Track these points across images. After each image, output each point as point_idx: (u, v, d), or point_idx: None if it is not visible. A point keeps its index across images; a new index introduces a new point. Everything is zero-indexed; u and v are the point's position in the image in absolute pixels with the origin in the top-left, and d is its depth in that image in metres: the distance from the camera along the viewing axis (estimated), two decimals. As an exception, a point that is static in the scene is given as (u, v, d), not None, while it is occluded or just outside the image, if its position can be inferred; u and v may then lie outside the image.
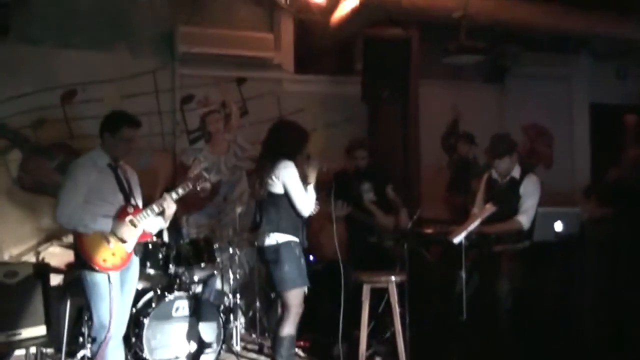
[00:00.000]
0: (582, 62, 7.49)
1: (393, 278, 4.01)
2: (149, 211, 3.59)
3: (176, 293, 4.36)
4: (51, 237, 5.14)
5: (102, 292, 3.43)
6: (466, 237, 4.06)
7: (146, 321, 4.17)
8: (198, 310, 4.40)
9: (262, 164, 3.88)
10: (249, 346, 5.12)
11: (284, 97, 6.18)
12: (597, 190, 5.26)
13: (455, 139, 6.68)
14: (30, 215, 5.22)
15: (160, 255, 4.47)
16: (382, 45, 5.82)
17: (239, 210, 5.29)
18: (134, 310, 4.19)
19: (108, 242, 3.45)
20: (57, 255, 4.93)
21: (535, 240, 4.08)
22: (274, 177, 3.74)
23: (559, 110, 7.43)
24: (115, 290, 3.45)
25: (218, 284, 5.30)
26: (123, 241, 3.48)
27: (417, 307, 4.22)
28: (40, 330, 3.99)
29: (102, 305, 3.44)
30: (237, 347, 4.93)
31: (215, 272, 4.94)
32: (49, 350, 4.64)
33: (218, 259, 4.79)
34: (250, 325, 5.41)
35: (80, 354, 4.32)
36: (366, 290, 4.02)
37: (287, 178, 3.74)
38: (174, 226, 4.79)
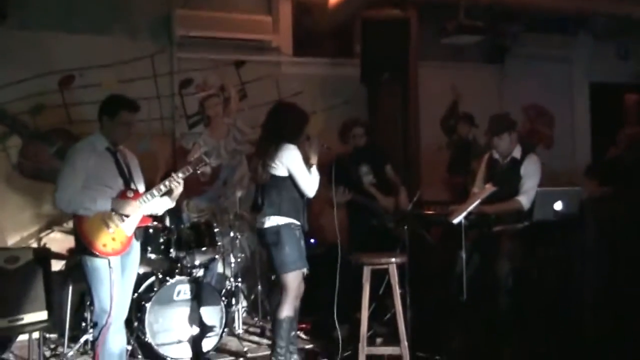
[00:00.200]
0: (582, 42, 7.43)
1: (393, 259, 4.01)
2: (150, 195, 3.58)
3: (178, 277, 4.37)
4: (52, 222, 5.15)
5: (102, 277, 3.43)
6: (466, 218, 4.06)
7: (148, 305, 4.19)
8: (200, 294, 4.42)
9: (264, 147, 3.87)
10: (251, 329, 5.16)
11: (282, 80, 6.15)
12: (597, 169, 5.25)
13: (455, 120, 6.67)
14: (31, 201, 5.23)
15: (161, 240, 4.48)
16: (381, 27, 5.78)
17: (239, 194, 5.30)
18: (135, 294, 4.21)
19: (108, 226, 3.44)
20: (59, 240, 4.95)
21: (535, 220, 4.07)
22: (277, 161, 3.75)
23: (560, 90, 7.40)
24: (115, 275, 3.45)
25: (219, 268, 5.32)
26: (124, 216, 3.47)
27: (417, 288, 4.23)
28: (42, 315, 4.01)
29: (102, 290, 3.44)
30: (239, 331, 4.96)
31: (217, 256, 4.95)
32: (52, 336, 4.68)
33: (219, 243, 4.81)
34: (252, 309, 5.44)
35: (83, 339, 4.35)
36: (367, 272, 4.03)
37: (291, 161, 3.75)
38: (175, 211, 4.79)
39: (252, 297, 5.39)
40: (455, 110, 6.83)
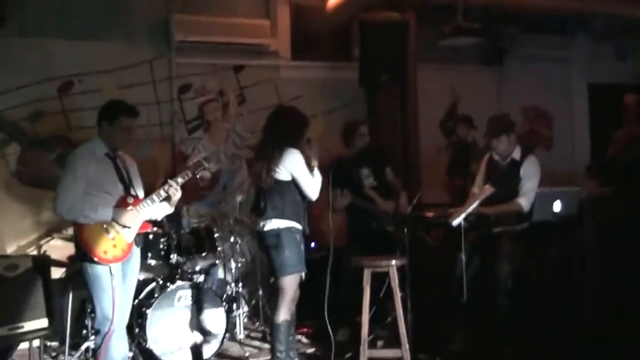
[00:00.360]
0: (580, 43, 7.44)
1: (393, 262, 4.01)
2: (149, 200, 3.58)
3: (178, 283, 4.36)
4: (52, 230, 5.15)
5: (103, 284, 3.43)
6: (465, 219, 4.05)
7: (149, 312, 4.18)
8: (201, 300, 4.41)
9: (266, 152, 3.86)
10: (252, 334, 5.15)
11: (281, 84, 6.15)
12: (596, 169, 5.25)
13: (454, 122, 6.67)
14: (30, 209, 5.22)
15: (162, 246, 4.47)
16: (379, 30, 5.79)
17: (239, 198, 5.29)
18: (136, 301, 4.20)
19: (108, 233, 3.44)
20: (59, 248, 4.94)
21: (535, 221, 4.07)
22: (281, 165, 3.76)
23: (558, 91, 7.40)
24: (117, 282, 3.45)
25: (220, 273, 5.31)
26: (125, 227, 3.47)
27: (418, 290, 4.23)
28: (42, 323, 4.00)
29: (104, 298, 3.44)
30: (241, 336, 4.95)
31: (217, 261, 4.94)
32: (53, 343, 4.66)
33: (219, 248, 4.80)
34: (253, 314, 5.43)
35: (84, 346, 4.34)
36: (367, 274, 4.03)
37: (294, 165, 3.77)
38: (175, 216, 4.79)
39: (253, 302, 5.38)
40: (454, 112, 6.83)
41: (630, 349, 3.83)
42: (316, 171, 3.86)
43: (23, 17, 5.21)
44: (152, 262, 4.42)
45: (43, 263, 4.25)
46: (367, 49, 5.82)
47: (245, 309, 5.24)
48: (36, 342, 4.20)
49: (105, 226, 3.45)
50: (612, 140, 4.69)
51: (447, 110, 6.88)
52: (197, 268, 4.70)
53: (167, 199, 3.64)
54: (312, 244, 5.30)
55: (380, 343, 4.52)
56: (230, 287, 5.07)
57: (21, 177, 5.25)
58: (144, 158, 5.27)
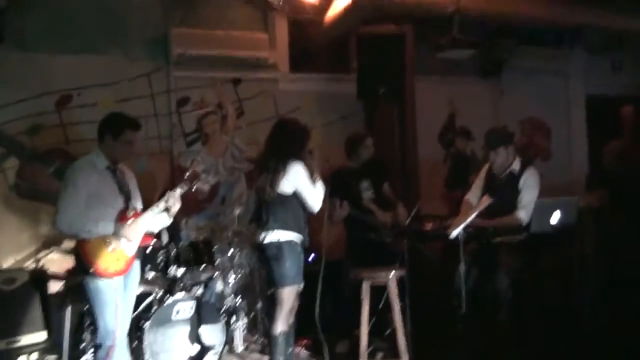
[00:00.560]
0: (577, 55, 7.50)
1: (392, 274, 4.00)
2: (149, 213, 3.58)
3: (176, 296, 4.34)
4: (50, 243, 5.13)
5: (106, 298, 3.42)
6: (464, 231, 4.05)
7: (147, 325, 4.15)
8: (199, 313, 4.39)
9: (269, 164, 3.87)
10: (252, 347, 5.11)
11: (279, 97, 6.17)
12: (595, 180, 5.26)
13: (453, 135, 6.69)
14: (29, 223, 5.21)
15: (160, 259, 4.46)
16: (376, 43, 5.83)
17: (237, 211, 5.29)
18: (134, 314, 4.17)
19: (110, 247, 3.43)
20: (57, 261, 4.92)
21: (533, 232, 4.07)
22: (285, 179, 3.78)
23: (556, 103, 7.45)
24: (119, 295, 3.44)
25: (219, 286, 5.28)
26: (127, 240, 3.46)
27: (417, 302, 4.21)
28: (40, 336, 3.99)
29: (107, 311, 3.42)
30: (240, 348, 4.92)
31: (216, 273, 4.93)
32: (51, 357, 4.62)
33: (218, 261, 4.79)
34: (252, 326, 5.40)
35: (82, 360, 4.31)
36: (366, 286, 4.02)
37: (298, 179, 3.79)
38: (173, 229, 4.78)
39: (252, 314, 5.35)
40: (453, 125, 6.86)
41: (627, 358, 3.82)
42: (319, 182, 3.88)
43: (21, 32, 5.23)
44: (150, 275, 4.40)
45: (40, 277, 4.25)
46: (365, 61, 5.85)
47: (244, 321, 5.21)
48: (34, 356, 4.17)
49: (107, 240, 3.43)
50: (605, 152, 4.71)
51: (445, 122, 6.90)
52: (196, 281, 4.68)
53: (166, 210, 3.64)
54: (312, 256, 5.28)
55: (379, 355, 4.50)
56: (229, 299, 5.04)
57: (19, 191, 5.24)
58: (142, 171, 5.28)
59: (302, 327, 4.25)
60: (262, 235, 3.87)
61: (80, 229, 3.39)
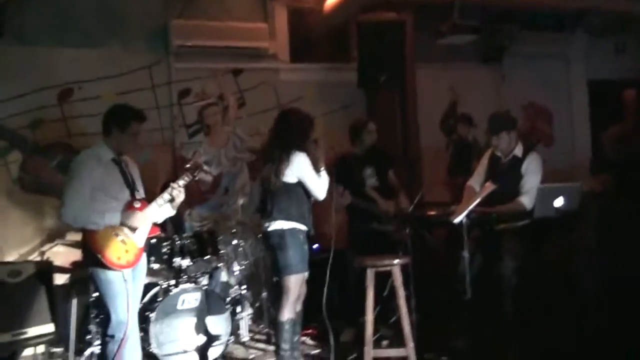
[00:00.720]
0: (579, 39, 7.46)
1: (396, 261, 4.01)
2: (155, 204, 3.59)
3: (181, 286, 4.36)
4: (54, 236, 5.15)
5: (117, 289, 3.43)
6: (467, 217, 4.05)
7: (152, 316, 4.18)
8: (204, 303, 4.41)
9: (274, 155, 3.91)
10: (257, 336, 5.14)
11: (280, 87, 6.16)
12: (598, 165, 5.24)
13: (454, 121, 6.67)
14: (33, 216, 5.24)
15: (164, 250, 4.48)
16: (376, 30, 5.80)
17: (241, 201, 5.29)
18: (139, 305, 4.20)
19: (120, 239, 3.43)
20: (62, 254, 4.94)
21: (536, 217, 4.06)
22: (288, 169, 3.82)
23: (558, 88, 7.42)
24: (130, 287, 3.46)
25: (223, 276, 5.30)
26: (135, 229, 3.46)
27: (422, 289, 4.22)
28: (47, 328, 4.01)
29: (118, 302, 3.43)
30: (245, 338, 4.94)
31: (220, 264, 4.94)
32: (57, 349, 4.66)
33: (222, 251, 4.80)
34: (257, 316, 5.43)
35: (88, 352, 4.33)
36: (370, 274, 4.02)
37: (302, 169, 3.83)
38: (177, 220, 4.79)
39: (257, 304, 5.38)
40: (454, 111, 6.84)
41: (632, 345, 3.82)
42: (323, 172, 3.92)
43: (21, 26, 5.23)
44: (155, 266, 4.42)
45: (46, 269, 4.27)
46: (365, 49, 5.83)
47: (249, 311, 5.23)
48: (40, 348, 4.20)
49: (116, 231, 3.44)
50: (605, 138, 4.70)
51: (447, 109, 6.88)
52: (200, 271, 4.70)
53: (171, 201, 3.65)
54: (315, 246, 5.29)
55: (385, 343, 4.52)
56: (234, 289, 5.06)
57: (23, 185, 5.26)
58: (145, 162, 5.28)
59: (307, 316, 4.27)
60: (267, 224, 3.93)
61: (86, 221, 3.38)
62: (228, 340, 4.47)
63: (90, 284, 4.31)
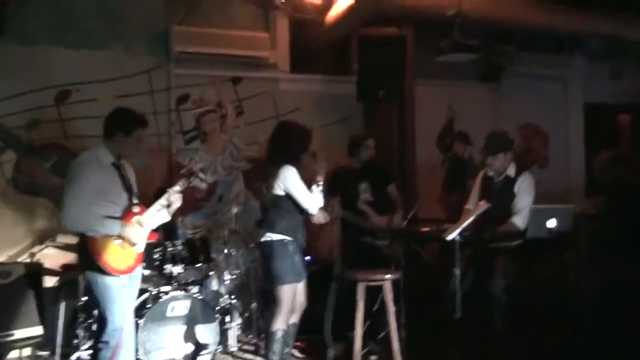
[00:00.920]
0: (576, 62, 7.52)
1: (387, 276, 4.00)
2: (153, 209, 3.57)
3: (171, 294, 4.34)
4: (45, 238, 5.11)
5: (115, 295, 3.39)
6: (460, 235, 4.05)
7: (141, 322, 4.15)
8: (194, 311, 4.38)
9: (267, 168, 3.95)
10: (245, 347, 5.11)
11: (279, 97, 6.17)
12: (594, 188, 5.26)
13: (451, 139, 6.69)
14: (24, 217, 5.20)
15: (156, 256, 4.45)
16: (377, 45, 5.83)
17: (235, 210, 5.28)
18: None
19: (119, 244, 3.40)
20: (52, 256, 4.91)
21: (529, 237, 4.07)
22: (277, 182, 3.85)
23: (555, 109, 7.46)
24: (127, 292, 3.44)
25: (214, 285, 5.28)
26: (132, 244, 3.44)
27: (412, 305, 4.21)
28: (35, 331, 3.97)
29: (115, 309, 3.39)
30: (233, 348, 4.91)
31: (212, 272, 4.92)
32: (44, 353, 4.62)
33: (214, 259, 4.78)
34: (246, 326, 5.39)
35: (74, 356, 4.29)
36: (361, 288, 4.01)
37: (288, 182, 3.84)
38: (170, 226, 4.77)
39: (247, 314, 5.35)
40: (451, 129, 6.86)
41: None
42: (315, 187, 3.91)
43: (22, 25, 5.22)
44: (146, 272, 4.38)
45: (36, 271, 4.23)
46: (365, 63, 5.86)
47: (239, 321, 5.21)
48: (27, 351, 4.16)
49: (115, 237, 3.40)
50: (595, 163, 4.73)
51: (444, 126, 6.91)
52: (191, 279, 4.68)
53: (167, 207, 3.63)
54: (307, 258, 5.27)
55: (373, 358, 4.50)
56: (224, 298, 5.04)
57: (16, 185, 5.23)
58: (140, 167, 5.26)
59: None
60: (259, 235, 3.95)
61: (85, 227, 3.33)
62: (216, 350, 4.44)
63: (79, 288, 4.29)
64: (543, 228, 4.07)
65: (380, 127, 6.14)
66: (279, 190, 3.86)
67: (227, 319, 4.93)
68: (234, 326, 4.99)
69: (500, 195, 4.31)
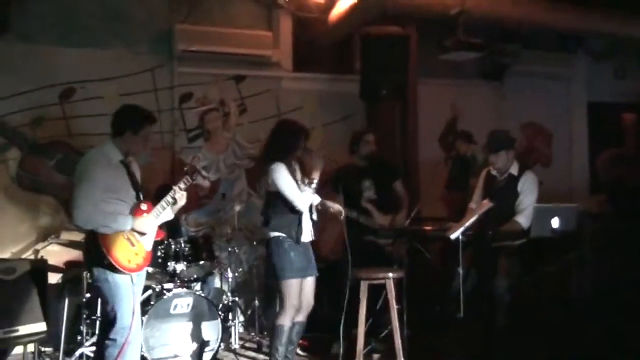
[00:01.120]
0: (580, 61, 7.50)
1: (391, 275, 4.01)
2: (160, 207, 3.58)
3: (175, 291, 4.35)
4: (49, 235, 5.14)
5: (124, 293, 3.39)
6: (464, 234, 4.05)
7: (144, 319, 4.16)
8: (197, 309, 4.40)
9: (261, 165, 4.00)
10: (248, 345, 5.12)
11: (282, 96, 6.18)
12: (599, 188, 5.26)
13: (454, 138, 6.69)
14: (29, 214, 5.23)
15: (159, 254, 4.47)
16: (381, 44, 5.82)
17: (238, 208, 5.30)
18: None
19: (130, 242, 3.42)
20: (56, 253, 4.93)
21: (533, 237, 4.07)
22: (269, 180, 3.88)
23: (558, 109, 7.44)
24: (136, 290, 3.45)
25: (217, 283, 5.30)
26: (144, 234, 3.45)
27: (415, 304, 4.22)
28: (39, 327, 3.98)
29: (124, 306, 3.39)
30: (236, 346, 4.93)
31: (215, 270, 4.93)
32: (48, 349, 4.64)
33: (217, 257, 4.79)
34: (249, 324, 5.42)
35: (78, 352, 4.32)
36: (364, 287, 4.02)
37: (277, 179, 3.86)
38: (173, 224, 4.78)
39: (250, 312, 5.36)
40: (454, 128, 6.86)
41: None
42: (307, 187, 3.90)
43: (27, 24, 5.24)
44: (150, 269, 4.39)
45: (41, 268, 4.25)
46: (369, 62, 5.85)
47: (241, 319, 5.23)
48: (31, 348, 4.18)
49: (126, 235, 3.41)
50: (598, 162, 4.73)
51: (447, 125, 6.90)
52: (194, 277, 4.69)
53: (173, 204, 3.64)
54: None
55: (376, 357, 4.51)
56: (227, 296, 5.05)
57: (21, 182, 5.25)
58: (144, 165, 5.27)
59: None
60: (263, 232, 4.02)
61: (98, 225, 3.32)
62: (218, 347, 4.46)
63: (83, 285, 4.31)
64: (547, 227, 4.06)
65: (383, 126, 6.12)
66: (270, 188, 3.90)
67: (230, 316, 4.95)
68: (237, 324, 5.01)
69: (504, 194, 4.31)
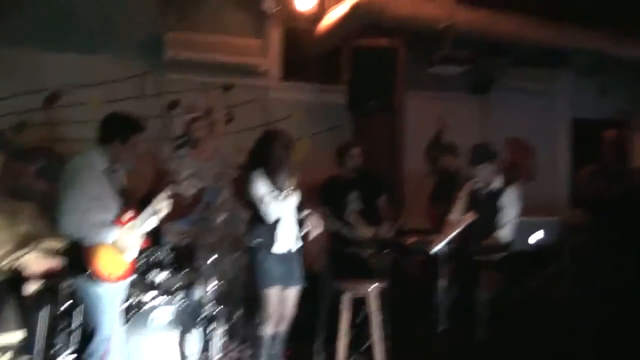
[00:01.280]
0: (565, 77, 7.58)
1: (372, 287, 4.00)
2: (144, 216, 3.55)
3: (154, 301, 4.31)
4: (29, 242, 5.06)
5: (106, 304, 3.37)
6: (446, 246, 4.06)
7: (124, 329, 4.11)
8: (177, 319, 4.35)
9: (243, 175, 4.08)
10: (230, 355, 5.08)
11: (270, 105, 6.18)
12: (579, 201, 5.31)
13: (439, 150, 6.71)
14: (7, 221, 5.14)
15: (139, 262, 4.42)
16: (369, 55, 5.85)
17: (222, 217, 5.26)
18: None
19: (114, 252, 3.39)
20: (34, 261, 4.84)
21: (514, 250, 4.10)
22: (244, 189, 3.97)
23: (542, 124, 7.52)
24: (118, 301, 3.43)
25: (199, 293, 5.24)
26: (127, 244, 3.42)
27: (397, 316, 4.21)
28: (15, 336, 3.92)
29: (105, 318, 3.36)
30: (217, 357, 4.88)
31: (196, 280, 4.88)
32: (24, 358, 4.56)
33: (199, 267, 4.75)
34: (231, 335, 5.37)
35: (56, 362, 4.25)
36: (346, 299, 4.01)
37: (249, 188, 3.94)
38: (155, 233, 4.74)
39: (232, 322, 5.32)
40: (439, 141, 6.88)
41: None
42: (287, 194, 3.93)
43: (13, 27, 5.21)
44: (130, 279, 4.35)
45: (17, 276, 4.18)
46: (357, 73, 5.88)
47: (223, 329, 5.17)
48: (7, 356, 4.10)
49: (109, 245, 3.38)
50: (578, 177, 4.79)
51: (433, 137, 6.93)
52: (175, 286, 4.64)
53: (155, 214, 3.62)
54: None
55: (357, 369, 4.49)
56: (208, 306, 5.00)
57: (1, 188, 5.17)
58: (128, 172, 5.24)
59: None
60: None
61: (85, 234, 3.30)
62: (199, 358, 4.41)
63: (61, 294, 4.24)
64: (528, 241, 4.09)
65: (370, 137, 6.13)
66: (245, 197, 3.96)
67: (211, 327, 4.90)
68: (218, 334, 4.96)
69: (486, 208, 4.34)
